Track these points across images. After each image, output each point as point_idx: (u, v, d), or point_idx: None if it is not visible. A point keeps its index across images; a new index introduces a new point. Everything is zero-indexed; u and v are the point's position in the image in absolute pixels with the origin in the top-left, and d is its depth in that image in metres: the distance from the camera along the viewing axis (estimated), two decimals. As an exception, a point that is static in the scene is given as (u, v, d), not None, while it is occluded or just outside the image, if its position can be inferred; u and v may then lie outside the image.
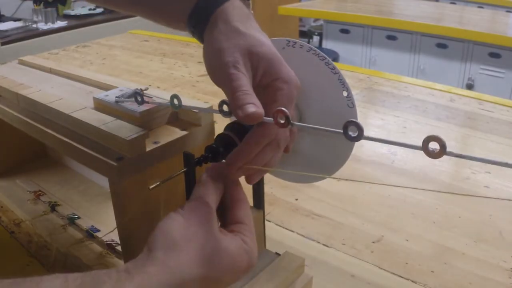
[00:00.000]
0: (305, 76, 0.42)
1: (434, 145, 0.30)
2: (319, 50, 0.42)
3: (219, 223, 0.36)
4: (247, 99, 0.36)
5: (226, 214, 0.37)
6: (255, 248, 0.35)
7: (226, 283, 0.33)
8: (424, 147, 0.30)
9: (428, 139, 0.30)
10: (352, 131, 0.32)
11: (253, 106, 0.36)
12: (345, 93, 0.41)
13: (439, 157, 0.30)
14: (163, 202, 0.38)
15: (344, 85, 0.41)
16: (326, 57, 0.41)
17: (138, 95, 0.45)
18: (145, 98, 0.48)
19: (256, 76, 0.38)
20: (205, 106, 0.47)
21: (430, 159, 0.31)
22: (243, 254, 0.34)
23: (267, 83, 0.38)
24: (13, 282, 0.29)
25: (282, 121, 0.35)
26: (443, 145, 0.29)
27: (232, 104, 0.37)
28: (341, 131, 0.33)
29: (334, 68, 0.41)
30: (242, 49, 0.38)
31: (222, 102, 0.40)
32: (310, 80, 0.43)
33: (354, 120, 0.32)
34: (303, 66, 0.42)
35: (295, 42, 0.43)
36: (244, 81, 0.37)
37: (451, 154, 0.30)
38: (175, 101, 0.42)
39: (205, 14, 0.40)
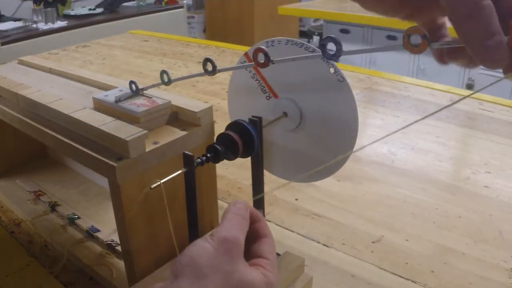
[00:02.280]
0: (292, 68, 0.43)
1: (416, 39, 0.27)
2: (295, 39, 0.43)
3: None
4: (494, 24, 0.24)
5: (249, 247, 0.37)
6: (276, 284, 0.35)
7: None
8: (405, 42, 0.28)
9: (408, 32, 0.27)
10: (330, 48, 0.32)
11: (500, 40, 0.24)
12: (332, 70, 0.41)
13: (423, 50, 0.28)
14: (167, 203, 0.38)
15: (328, 63, 0.41)
16: (304, 42, 0.42)
17: (132, 84, 0.45)
18: (145, 98, 0.48)
19: None
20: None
21: (431, 159, 0.31)
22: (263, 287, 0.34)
23: None
24: None
25: (261, 61, 0.35)
26: (425, 35, 0.27)
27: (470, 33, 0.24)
28: (319, 52, 0.32)
29: (313, 50, 0.41)
30: None
31: (207, 60, 0.39)
32: (297, 70, 0.43)
33: (331, 36, 0.32)
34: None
35: (273, 41, 0.44)
36: None
37: (435, 45, 0.27)
38: (165, 77, 0.42)
39: None
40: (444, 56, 0.31)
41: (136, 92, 0.47)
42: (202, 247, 0.33)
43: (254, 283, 0.33)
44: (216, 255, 0.32)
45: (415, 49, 0.28)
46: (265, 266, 0.35)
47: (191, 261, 0.32)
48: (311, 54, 0.34)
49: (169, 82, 0.43)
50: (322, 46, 0.32)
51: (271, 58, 0.35)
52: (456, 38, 0.28)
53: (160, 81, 0.46)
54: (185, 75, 0.43)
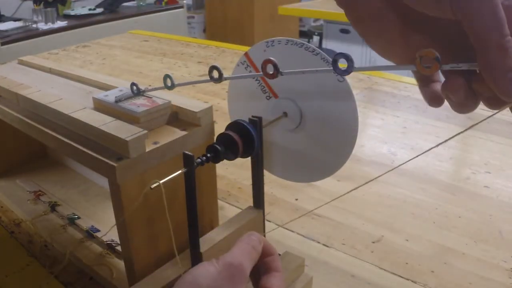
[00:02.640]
0: (293, 69, 0.43)
1: (427, 61, 0.29)
2: (296, 39, 0.43)
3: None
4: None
5: (259, 280, 0.37)
6: None
7: None
8: (417, 64, 0.29)
9: (420, 54, 0.29)
10: (342, 65, 0.32)
11: None
12: None
13: (435, 71, 0.29)
14: (167, 203, 0.38)
15: (328, 63, 0.41)
16: (304, 42, 0.42)
17: (134, 85, 0.45)
18: (145, 98, 0.48)
19: None
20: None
21: (431, 159, 0.31)
22: None
23: None
24: None
25: (270, 72, 0.35)
26: (437, 58, 0.28)
27: (492, 64, 0.25)
28: (331, 68, 0.33)
29: (313, 50, 0.42)
30: None
31: (213, 68, 0.39)
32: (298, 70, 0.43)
33: (343, 52, 0.32)
34: (288, 60, 0.43)
35: (273, 41, 0.44)
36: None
37: (446, 66, 0.29)
38: (168, 82, 0.42)
39: None
40: (443, 89, 0.32)
41: (137, 94, 0.47)
42: (206, 269, 0.34)
43: None
44: (217, 278, 0.33)
45: (427, 70, 0.29)
46: None
47: (194, 281, 0.33)
48: (322, 69, 0.34)
49: (172, 87, 0.43)
50: (334, 62, 0.33)
51: (280, 70, 0.35)
52: (465, 64, 0.28)
53: (162, 85, 0.46)
54: (185, 75, 0.43)
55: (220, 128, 0.44)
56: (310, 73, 0.36)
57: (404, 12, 0.31)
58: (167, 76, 0.43)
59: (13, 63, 0.69)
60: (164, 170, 0.39)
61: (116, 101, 0.47)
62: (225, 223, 0.48)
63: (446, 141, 0.34)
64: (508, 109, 0.30)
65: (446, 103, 0.34)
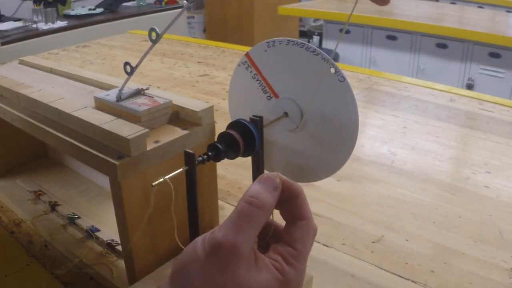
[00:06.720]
0: (294, 69, 0.43)
1: None
2: (296, 40, 0.43)
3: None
4: None
5: (281, 231, 0.33)
6: (300, 280, 0.31)
7: None
8: None
9: None
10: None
11: None
12: (332, 70, 0.42)
13: None
14: (167, 203, 0.38)
15: (329, 63, 0.42)
16: (305, 43, 0.42)
17: (127, 65, 0.45)
18: (146, 97, 0.48)
19: None
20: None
21: (431, 159, 0.31)
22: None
23: None
24: None
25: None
26: None
27: None
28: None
29: (314, 50, 0.42)
30: None
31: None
32: (299, 70, 0.43)
33: None
34: (288, 60, 0.43)
35: (274, 41, 0.44)
36: None
37: None
38: (153, 35, 0.42)
39: None
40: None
41: (131, 73, 0.47)
42: (195, 252, 0.29)
43: None
44: (207, 264, 0.29)
45: None
46: (288, 259, 0.30)
47: (183, 267, 0.30)
48: None
49: (157, 39, 0.42)
50: None
51: None
52: None
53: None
54: (185, 75, 0.43)
55: (220, 128, 0.44)
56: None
57: None
58: (152, 30, 0.42)
59: (14, 63, 0.69)
60: (164, 169, 0.39)
61: (117, 100, 0.47)
62: (225, 222, 0.48)
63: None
64: (508, 109, 0.30)
65: (447, 106, 0.34)
